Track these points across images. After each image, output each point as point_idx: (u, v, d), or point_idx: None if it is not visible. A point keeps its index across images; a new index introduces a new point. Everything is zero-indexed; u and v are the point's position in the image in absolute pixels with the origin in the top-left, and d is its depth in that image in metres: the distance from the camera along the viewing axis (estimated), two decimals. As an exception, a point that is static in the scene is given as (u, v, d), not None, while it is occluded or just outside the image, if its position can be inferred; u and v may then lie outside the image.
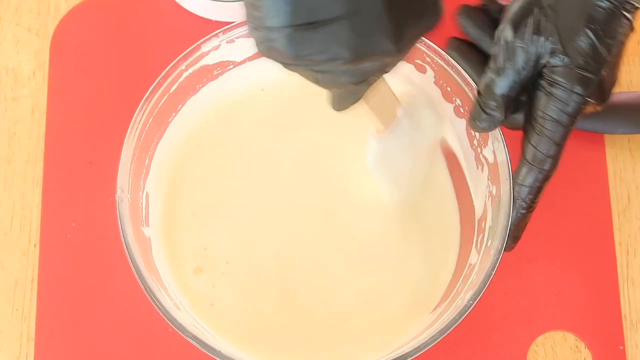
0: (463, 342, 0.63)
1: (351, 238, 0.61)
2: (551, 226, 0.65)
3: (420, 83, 0.62)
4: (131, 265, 0.54)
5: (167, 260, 0.60)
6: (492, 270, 0.54)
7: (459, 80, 0.59)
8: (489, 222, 0.57)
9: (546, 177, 0.53)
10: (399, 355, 0.52)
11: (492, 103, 0.52)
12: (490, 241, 0.56)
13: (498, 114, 0.52)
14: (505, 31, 0.52)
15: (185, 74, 0.61)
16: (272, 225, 0.62)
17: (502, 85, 0.52)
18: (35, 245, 0.65)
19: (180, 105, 0.62)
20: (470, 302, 0.53)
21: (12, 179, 0.66)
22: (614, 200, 0.67)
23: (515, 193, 0.54)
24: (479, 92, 0.53)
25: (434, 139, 0.60)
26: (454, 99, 0.60)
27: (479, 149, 0.59)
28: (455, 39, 0.58)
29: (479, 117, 0.53)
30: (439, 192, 0.62)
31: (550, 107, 0.51)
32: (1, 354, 0.62)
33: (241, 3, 0.67)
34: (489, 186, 0.58)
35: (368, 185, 0.61)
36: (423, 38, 0.51)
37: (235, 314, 0.59)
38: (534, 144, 0.52)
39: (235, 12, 0.68)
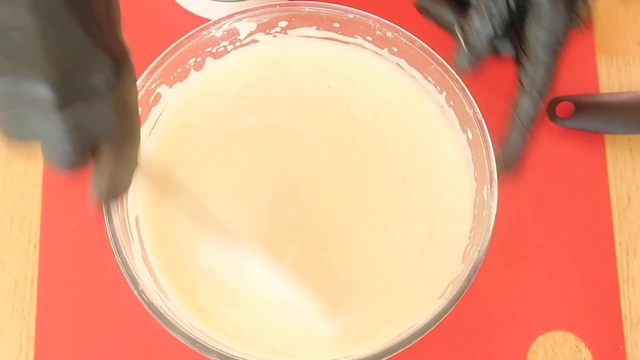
0: (463, 342, 0.63)
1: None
2: (551, 226, 0.65)
3: None
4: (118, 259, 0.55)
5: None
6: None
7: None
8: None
9: (544, 103, 0.54)
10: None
11: (480, 45, 0.53)
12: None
13: (484, 54, 0.54)
14: None
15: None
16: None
17: (493, 23, 0.53)
18: (35, 245, 0.65)
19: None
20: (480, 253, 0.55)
21: (12, 179, 0.66)
22: (614, 201, 0.67)
23: (517, 122, 0.54)
24: (464, 37, 0.54)
25: None
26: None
27: None
28: None
29: (466, 60, 0.54)
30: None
31: (540, 33, 0.52)
32: (1, 354, 0.62)
33: (240, 3, 0.67)
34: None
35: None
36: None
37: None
38: (529, 73, 0.53)
39: (236, 12, 0.68)
